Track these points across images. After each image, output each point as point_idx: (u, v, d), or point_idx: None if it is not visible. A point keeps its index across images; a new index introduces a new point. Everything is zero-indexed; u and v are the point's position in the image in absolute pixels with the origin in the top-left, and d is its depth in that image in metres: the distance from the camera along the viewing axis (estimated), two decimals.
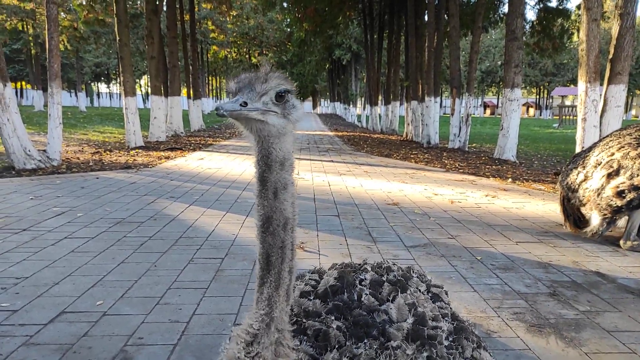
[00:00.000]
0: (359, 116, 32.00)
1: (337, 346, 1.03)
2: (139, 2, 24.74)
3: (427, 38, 13.88)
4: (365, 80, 27.89)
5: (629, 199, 3.50)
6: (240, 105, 0.87)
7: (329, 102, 61.85)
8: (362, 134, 19.15)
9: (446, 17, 14.13)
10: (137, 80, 56.04)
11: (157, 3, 13.15)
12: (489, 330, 2.35)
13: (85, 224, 4.26)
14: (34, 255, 3.35)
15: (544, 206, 5.36)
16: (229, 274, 3.06)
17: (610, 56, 7.20)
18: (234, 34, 36.46)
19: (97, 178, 6.80)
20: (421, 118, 14.17)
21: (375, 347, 1.03)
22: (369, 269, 1.31)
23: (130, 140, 10.96)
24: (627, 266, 3.34)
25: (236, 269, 3.16)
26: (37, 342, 2.15)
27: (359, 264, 1.38)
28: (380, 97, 24.72)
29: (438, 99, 13.73)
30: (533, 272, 3.19)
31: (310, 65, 37.23)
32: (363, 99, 30.19)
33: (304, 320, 1.12)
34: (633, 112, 60.85)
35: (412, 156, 10.60)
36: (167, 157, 9.51)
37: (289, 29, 31.82)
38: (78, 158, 8.92)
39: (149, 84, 13.64)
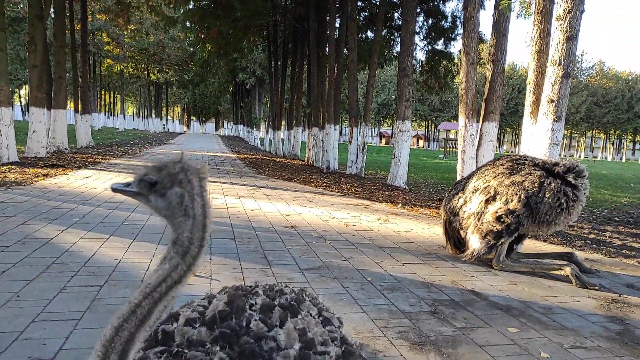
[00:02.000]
0: (262, 140, 32.03)
1: None
2: (21, 6, 22.52)
3: (328, 69, 14.46)
4: (269, 105, 28.11)
5: (507, 223, 3.87)
6: (124, 185, 1.00)
7: (232, 124, 61.20)
8: (265, 158, 19.15)
9: (346, 51, 14.87)
10: (17, 90, 50.49)
11: (43, 8, 12.06)
12: (375, 350, 2.40)
13: None
14: None
15: (429, 229, 5.74)
16: (107, 303, 2.79)
17: (485, 96, 8.08)
18: (132, 49, 34.72)
19: None
20: (321, 144, 14.57)
21: None
22: (261, 292, 1.25)
23: (2, 155, 9.74)
24: (498, 284, 3.67)
25: (116, 297, 2.89)
26: None
27: (251, 287, 1.32)
28: (283, 122, 25.03)
29: (338, 127, 14.26)
30: (417, 291, 3.37)
31: (213, 87, 36.63)
32: (266, 123, 30.34)
33: (186, 351, 1.02)
34: (505, 147, 68.93)
35: (312, 180, 10.80)
36: (46, 175, 8.59)
37: (191, 49, 31.14)
38: None
39: (30, 95, 12.34)
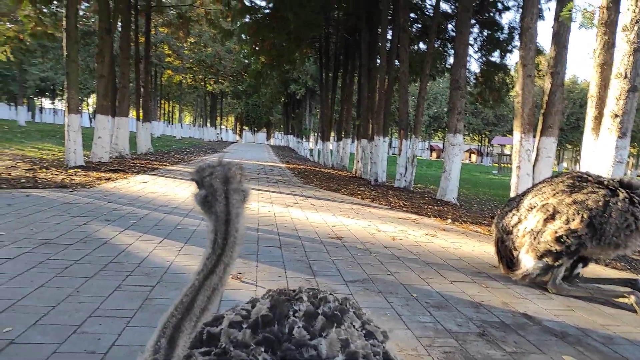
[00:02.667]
0: (311, 150, 32.33)
1: None
2: (92, 20, 24.16)
3: (379, 80, 14.41)
4: (319, 116, 28.39)
5: (567, 244, 3.66)
6: None
7: (282, 134, 62.29)
8: (313, 168, 19.30)
9: (397, 63, 14.79)
10: (85, 98, 53.99)
11: (111, 22, 12.88)
12: None
13: (5, 243, 3.93)
14: None
15: (480, 247, 5.55)
16: (158, 303, 2.90)
17: (543, 110, 7.76)
18: (191, 60, 36.26)
19: (27, 196, 6.36)
20: (370, 156, 14.51)
21: None
22: (305, 298, 1.25)
23: (69, 159, 10.42)
24: (553, 309, 3.47)
25: (167, 297, 3.00)
26: None
27: (295, 291, 1.32)
28: (332, 134, 25.18)
29: (387, 139, 14.16)
30: (465, 311, 3.25)
31: (265, 97, 37.50)
32: (316, 134, 30.62)
33: (232, 349, 1.05)
34: (564, 164, 65.55)
35: (359, 192, 10.76)
36: (108, 179, 9.09)
37: (246, 60, 32.11)
38: (9, 174, 8.33)
39: (96, 103, 13.17)
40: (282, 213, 6.89)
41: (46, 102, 64.33)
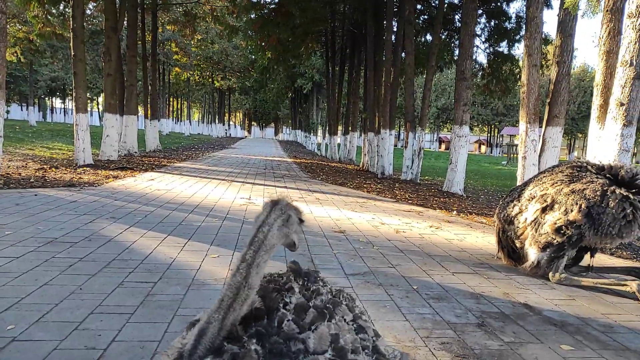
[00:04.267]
0: (319, 145, 32.31)
1: None
2: (99, 19, 24.31)
3: (385, 73, 14.34)
4: (326, 110, 28.33)
5: (568, 235, 3.63)
6: None
7: (290, 129, 62.31)
8: (320, 162, 19.31)
9: (403, 55, 14.69)
10: (95, 97, 54.45)
11: (118, 21, 12.95)
12: None
13: (12, 242, 4.00)
14: None
15: (483, 238, 5.52)
16: (159, 299, 2.93)
17: (549, 100, 7.66)
18: (198, 57, 36.36)
19: (36, 195, 6.46)
20: (377, 149, 14.47)
21: None
22: (296, 289, 1.24)
23: (78, 158, 10.55)
24: (554, 299, 3.45)
25: (167, 293, 3.04)
26: None
27: (284, 277, 1.31)
28: (340, 127, 25.13)
29: (393, 132, 14.10)
30: (465, 302, 3.25)
31: (272, 93, 37.50)
32: (323, 128, 30.57)
33: (225, 344, 1.06)
34: (575, 153, 64.64)
35: (365, 186, 10.75)
36: (116, 177, 9.19)
37: (252, 56, 32.10)
38: (19, 173, 8.46)
39: (104, 102, 13.29)
40: None
41: (57, 102, 65.02)
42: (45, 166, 9.92)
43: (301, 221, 1.26)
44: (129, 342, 2.33)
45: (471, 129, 59.09)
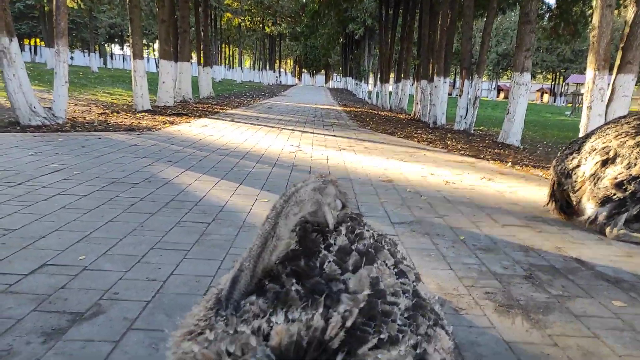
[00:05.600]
0: (369, 93, 31.61)
1: (289, 308, 1.03)
2: None
3: (441, 17, 13.54)
4: (377, 57, 27.41)
5: (631, 191, 3.44)
6: None
7: (341, 76, 61.17)
8: (370, 111, 18.98)
9: None
10: (151, 44, 55.53)
11: None
12: (457, 307, 2.37)
13: (80, 181, 4.31)
14: (25, 209, 3.40)
15: (539, 192, 5.31)
16: (213, 239, 3.10)
17: (622, 44, 7.01)
18: (249, 2, 35.85)
19: (99, 138, 6.84)
20: (429, 98, 13.98)
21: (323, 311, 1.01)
22: (343, 231, 1.27)
23: (137, 104, 10.96)
24: (609, 254, 3.32)
25: (220, 234, 3.20)
26: (15, 291, 2.20)
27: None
28: (391, 75, 24.35)
29: (448, 80, 13.50)
30: (513, 254, 3.20)
31: (322, 39, 36.61)
32: (374, 75, 29.75)
33: (266, 283, 1.12)
34: None
35: (415, 135, 10.52)
36: (172, 122, 9.51)
37: (303, 0, 31.21)
38: (84, 117, 8.95)
39: (159, 48, 13.54)
40: (335, 157, 6.93)
41: (116, 48, 67.00)
42: (107, 111, 10.42)
43: (343, 206, 1.28)
44: (186, 276, 2.51)
45: (533, 76, 55.29)
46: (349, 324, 1.00)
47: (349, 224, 1.32)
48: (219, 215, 3.61)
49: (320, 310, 1.00)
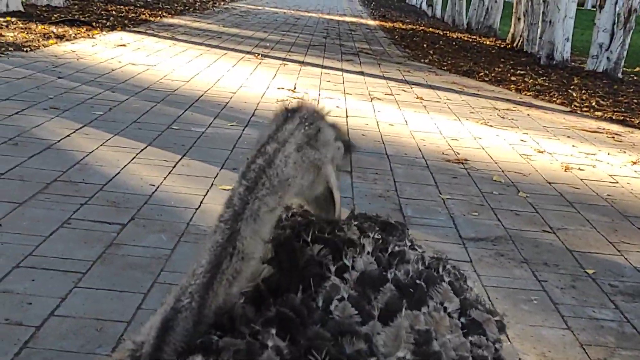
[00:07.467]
0: None
1: None
2: None
3: None
4: None
5: None
6: None
7: None
8: (432, 30, 18.96)
9: None
10: None
11: None
12: None
13: None
14: None
15: None
16: (129, 253, 3.14)
17: None
18: None
19: None
20: (542, 10, 13.94)
21: None
22: (368, 247, 1.25)
23: None
24: None
25: (143, 245, 3.25)
26: None
27: (346, 226, 1.31)
28: None
29: None
30: None
31: None
32: None
33: (220, 335, 1.11)
34: None
35: (513, 78, 10.53)
36: (61, 37, 9.54)
37: None
38: None
39: None
40: (361, 111, 6.96)
41: None
42: None
43: (347, 148, 1.24)
44: (77, 319, 2.55)
45: None
46: None
47: (378, 235, 1.31)
48: (143, 212, 3.64)
49: None
